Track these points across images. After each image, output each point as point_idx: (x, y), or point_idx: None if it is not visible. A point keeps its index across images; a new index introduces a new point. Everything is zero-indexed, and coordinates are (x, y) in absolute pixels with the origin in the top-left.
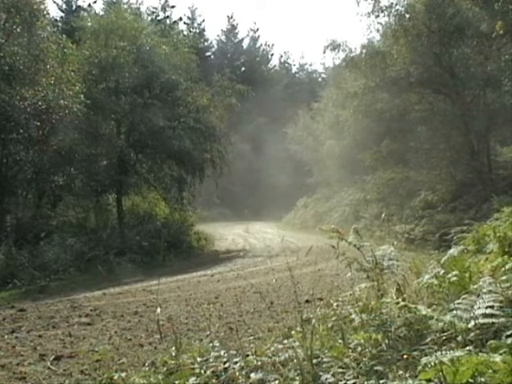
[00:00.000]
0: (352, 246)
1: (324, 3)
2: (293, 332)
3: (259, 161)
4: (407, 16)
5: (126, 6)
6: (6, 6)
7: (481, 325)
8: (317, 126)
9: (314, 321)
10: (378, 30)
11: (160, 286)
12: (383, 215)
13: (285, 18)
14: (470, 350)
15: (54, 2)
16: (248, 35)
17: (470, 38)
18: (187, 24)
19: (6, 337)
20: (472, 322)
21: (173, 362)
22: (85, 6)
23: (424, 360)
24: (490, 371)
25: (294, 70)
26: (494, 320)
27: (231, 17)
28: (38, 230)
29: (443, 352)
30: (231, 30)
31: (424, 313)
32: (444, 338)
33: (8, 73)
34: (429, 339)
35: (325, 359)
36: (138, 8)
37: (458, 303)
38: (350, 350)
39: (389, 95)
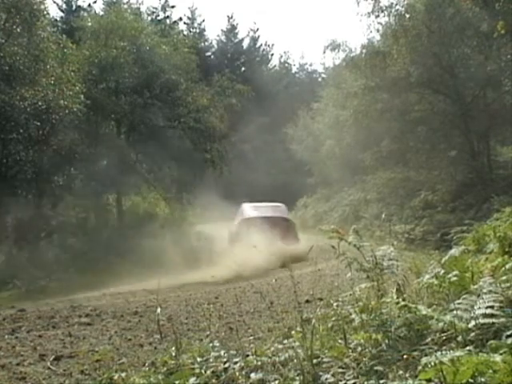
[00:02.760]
0: (352, 246)
1: (324, 3)
2: (293, 332)
3: (259, 161)
4: (407, 16)
5: (126, 6)
6: (6, 6)
7: (481, 325)
8: (317, 126)
9: (314, 321)
10: (378, 30)
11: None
12: (383, 215)
13: (285, 18)
14: (470, 350)
15: (54, 2)
16: (248, 35)
17: (470, 38)
18: (187, 24)
19: (6, 337)
20: (472, 322)
21: (173, 362)
22: (85, 5)
23: (424, 360)
24: (490, 371)
25: (294, 69)
26: (494, 320)
27: (231, 17)
28: (38, 229)
29: (443, 352)
30: (231, 30)
31: (424, 313)
32: (444, 337)
33: (8, 73)
34: (429, 339)
35: (325, 359)
36: (138, 8)
37: (458, 303)
38: (350, 350)
39: (389, 95)
